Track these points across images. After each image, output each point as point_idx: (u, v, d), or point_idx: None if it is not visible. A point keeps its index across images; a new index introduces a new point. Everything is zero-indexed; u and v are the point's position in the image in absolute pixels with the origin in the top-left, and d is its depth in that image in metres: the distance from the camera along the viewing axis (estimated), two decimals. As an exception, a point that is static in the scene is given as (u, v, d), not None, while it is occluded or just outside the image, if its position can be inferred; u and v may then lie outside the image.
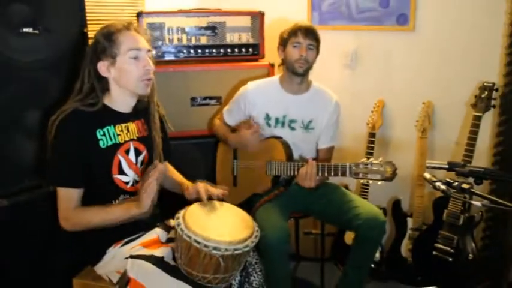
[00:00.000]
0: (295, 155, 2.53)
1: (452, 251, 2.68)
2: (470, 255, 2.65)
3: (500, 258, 2.73)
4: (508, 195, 2.52)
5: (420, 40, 2.88)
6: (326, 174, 2.28)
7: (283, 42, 2.53)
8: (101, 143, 1.87)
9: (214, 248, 1.64)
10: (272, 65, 2.81)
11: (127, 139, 1.96)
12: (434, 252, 2.73)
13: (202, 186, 1.98)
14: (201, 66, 2.76)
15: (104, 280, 1.96)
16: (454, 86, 2.84)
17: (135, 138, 1.99)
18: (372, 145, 2.93)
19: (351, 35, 3.05)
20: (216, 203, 1.96)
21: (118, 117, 1.95)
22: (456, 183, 1.60)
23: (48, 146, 1.83)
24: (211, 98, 2.80)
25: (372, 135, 2.95)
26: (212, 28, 2.77)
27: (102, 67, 1.86)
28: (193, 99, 2.78)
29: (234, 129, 2.69)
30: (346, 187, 2.87)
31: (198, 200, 1.94)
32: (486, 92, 2.61)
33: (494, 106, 2.62)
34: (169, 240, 1.97)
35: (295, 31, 2.47)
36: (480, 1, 2.69)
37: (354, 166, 2.19)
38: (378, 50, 3.02)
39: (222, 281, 1.76)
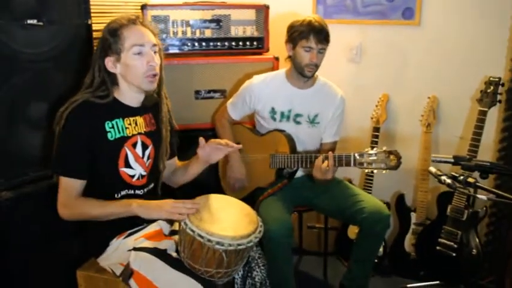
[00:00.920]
0: (299, 149, 2.52)
1: (455, 246, 2.67)
2: (474, 250, 2.65)
3: (504, 253, 2.72)
4: (513, 190, 2.52)
5: (426, 34, 2.86)
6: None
7: (293, 41, 2.44)
8: (109, 135, 1.87)
9: (218, 243, 1.64)
10: (277, 59, 2.80)
11: (135, 133, 1.95)
12: (437, 247, 2.73)
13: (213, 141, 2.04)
14: (206, 60, 2.75)
15: (108, 272, 1.96)
16: (459, 81, 2.82)
17: (143, 132, 1.99)
18: (376, 139, 2.92)
19: (356, 29, 3.03)
20: (220, 197, 1.96)
21: (127, 111, 1.94)
22: (462, 177, 1.59)
23: (55, 138, 1.83)
24: (215, 91, 2.80)
25: (376, 129, 2.94)
26: (217, 21, 2.76)
27: (109, 63, 1.86)
28: (197, 92, 2.77)
29: (236, 123, 2.69)
30: (350, 181, 2.87)
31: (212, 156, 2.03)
32: (492, 87, 2.59)
33: (500, 101, 2.60)
34: (172, 233, 1.97)
35: (307, 33, 2.38)
36: (486, -5, 2.67)
37: (358, 156, 2.18)
38: (383, 44, 3.00)
39: (225, 276, 1.76)
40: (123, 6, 2.86)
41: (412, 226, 2.93)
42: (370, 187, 2.94)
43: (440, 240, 2.72)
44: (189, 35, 2.75)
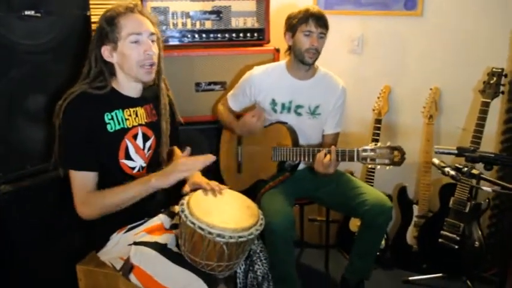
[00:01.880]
0: (301, 141, 2.50)
1: (458, 238, 2.67)
2: (477, 242, 2.64)
3: (507, 246, 2.71)
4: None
5: (428, 25, 2.83)
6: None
7: (292, 29, 2.44)
8: (108, 126, 1.83)
9: (218, 235, 1.63)
10: (277, 50, 2.77)
11: (135, 124, 1.92)
12: (440, 240, 2.72)
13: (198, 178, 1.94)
14: (206, 51, 2.72)
15: (108, 266, 1.95)
16: (461, 72, 2.80)
17: (144, 123, 1.96)
18: (378, 131, 2.90)
19: (358, 20, 3.01)
20: (221, 189, 1.93)
21: (127, 102, 1.91)
22: (466, 169, 1.58)
23: (56, 131, 1.80)
24: (215, 83, 2.77)
25: (378, 121, 2.92)
26: (217, 12, 2.73)
27: (106, 51, 1.83)
28: (197, 84, 2.75)
29: (238, 116, 2.67)
30: (352, 174, 2.86)
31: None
32: (494, 78, 2.57)
33: (503, 92, 2.58)
34: (173, 227, 1.96)
35: (306, 18, 2.39)
36: (489, -15, 2.65)
37: (361, 151, 2.17)
38: (384, 35, 2.97)
39: (226, 269, 1.74)
40: (122, -3, 2.83)
41: (414, 219, 2.92)
42: (372, 180, 2.93)
43: (442, 232, 2.71)
44: (189, 26, 2.72)
